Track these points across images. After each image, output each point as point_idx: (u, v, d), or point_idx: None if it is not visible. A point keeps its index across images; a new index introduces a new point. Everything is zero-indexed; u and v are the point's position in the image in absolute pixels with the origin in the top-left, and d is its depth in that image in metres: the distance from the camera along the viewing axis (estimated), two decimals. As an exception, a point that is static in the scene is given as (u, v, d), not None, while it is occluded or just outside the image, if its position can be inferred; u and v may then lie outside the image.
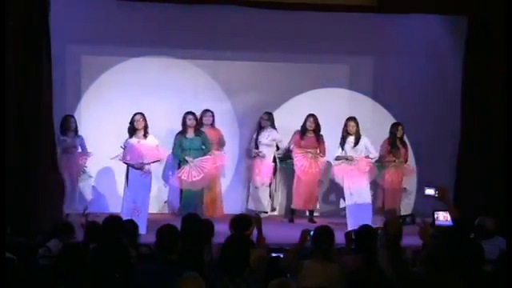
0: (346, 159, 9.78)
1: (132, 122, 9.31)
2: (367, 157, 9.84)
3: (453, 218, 6.16)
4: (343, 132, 9.90)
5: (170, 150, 9.96)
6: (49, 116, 8.70)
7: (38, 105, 8.55)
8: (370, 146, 9.93)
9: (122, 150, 9.30)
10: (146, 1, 9.50)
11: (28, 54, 8.53)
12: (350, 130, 9.85)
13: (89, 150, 10.07)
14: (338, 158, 9.90)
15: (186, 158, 9.66)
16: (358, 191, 9.69)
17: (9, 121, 8.08)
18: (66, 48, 10.46)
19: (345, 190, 9.84)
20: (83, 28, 10.33)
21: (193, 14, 10.35)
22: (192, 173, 9.64)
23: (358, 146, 9.83)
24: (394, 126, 10.30)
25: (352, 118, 9.94)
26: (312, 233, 5.79)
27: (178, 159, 9.85)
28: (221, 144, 10.41)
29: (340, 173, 9.90)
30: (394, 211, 10.02)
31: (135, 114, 9.33)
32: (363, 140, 9.88)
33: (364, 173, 9.77)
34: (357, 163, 9.75)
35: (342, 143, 9.87)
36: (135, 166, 9.21)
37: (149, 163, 9.28)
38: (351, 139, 9.85)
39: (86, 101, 10.73)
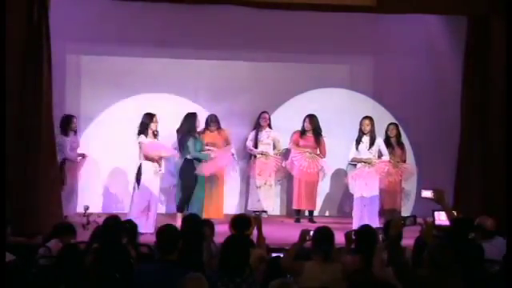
0: (364, 162, 9.61)
1: (149, 122, 9.22)
2: (379, 158, 9.68)
3: (450, 220, 6.16)
4: (359, 132, 9.71)
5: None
6: (49, 116, 8.69)
7: (38, 105, 8.54)
8: (383, 148, 9.75)
9: (139, 148, 9.22)
10: (146, 1, 9.48)
11: (28, 53, 8.53)
12: (364, 128, 9.64)
13: (89, 151, 10.09)
14: (353, 160, 9.71)
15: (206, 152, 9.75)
16: (369, 192, 9.59)
17: (9, 121, 8.08)
18: (66, 48, 10.46)
19: (355, 193, 9.69)
20: (83, 28, 10.32)
21: (193, 13, 10.35)
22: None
23: (373, 147, 9.64)
24: (387, 126, 10.30)
25: (367, 117, 9.74)
26: (311, 233, 5.79)
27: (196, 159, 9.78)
28: (227, 143, 10.38)
29: (357, 178, 9.65)
30: (393, 212, 9.99)
31: (153, 115, 9.26)
32: (377, 141, 9.72)
33: (380, 175, 9.63)
34: (375, 165, 9.62)
35: (357, 143, 9.67)
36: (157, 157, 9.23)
37: (166, 156, 9.41)
38: (366, 139, 9.66)
39: (85, 101, 10.73)
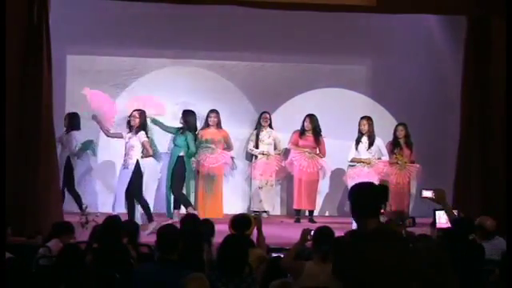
0: (363, 162, 9.59)
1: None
2: (379, 159, 9.66)
3: (451, 220, 6.16)
4: (358, 132, 9.72)
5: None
6: (49, 116, 8.69)
7: (38, 105, 8.55)
8: (383, 148, 9.73)
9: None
10: (146, 1, 9.49)
11: (28, 53, 8.53)
12: (362, 128, 9.66)
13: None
14: (352, 160, 9.69)
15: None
16: None
17: (9, 121, 8.08)
18: (66, 48, 10.47)
19: None
20: (83, 28, 10.33)
21: (192, 14, 10.35)
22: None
23: (372, 148, 9.63)
24: (395, 127, 10.26)
25: (365, 117, 9.75)
26: (312, 233, 5.79)
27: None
28: (228, 146, 10.35)
29: (356, 177, 9.51)
30: (401, 213, 9.80)
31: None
32: (377, 141, 9.71)
33: (379, 175, 9.59)
34: (374, 166, 9.59)
35: (357, 144, 9.67)
36: None
37: None
38: (365, 140, 9.66)
39: (85, 101, 10.70)
